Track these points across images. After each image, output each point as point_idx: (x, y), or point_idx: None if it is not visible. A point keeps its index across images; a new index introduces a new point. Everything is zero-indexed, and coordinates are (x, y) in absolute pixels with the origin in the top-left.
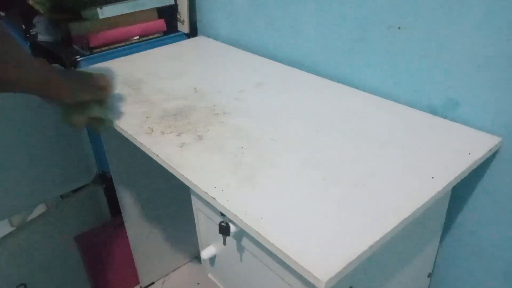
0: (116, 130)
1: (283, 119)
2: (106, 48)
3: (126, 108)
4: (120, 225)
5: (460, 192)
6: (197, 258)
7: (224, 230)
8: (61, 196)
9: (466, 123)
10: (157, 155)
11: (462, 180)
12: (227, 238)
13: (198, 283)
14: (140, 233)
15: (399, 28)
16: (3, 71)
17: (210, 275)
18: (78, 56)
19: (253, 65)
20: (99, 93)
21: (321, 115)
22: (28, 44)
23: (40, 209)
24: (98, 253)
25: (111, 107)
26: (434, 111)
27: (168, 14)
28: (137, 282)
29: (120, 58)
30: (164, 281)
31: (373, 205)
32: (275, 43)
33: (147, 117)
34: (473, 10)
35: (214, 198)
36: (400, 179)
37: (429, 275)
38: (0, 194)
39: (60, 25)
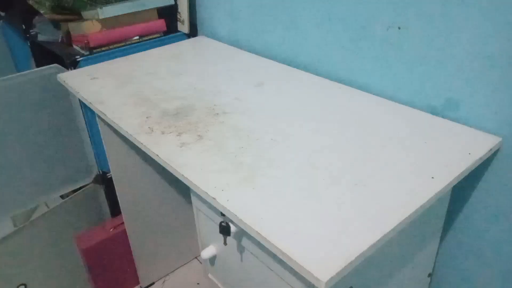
0: (116, 130)
1: (283, 119)
2: (106, 48)
3: (126, 108)
4: (120, 225)
5: (460, 192)
6: (197, 258)
7: (224, 230)
8: (61, 196)
9: (466, 123)
10: (157, 155)
11: (462, 180)
12: (227, 238)
13: (198, 283)
14: (140, 233)
15: (399, 28)
16: None
17: (210, 275)
18: (78, 56)
19: (253, 65)
20: None
21: (321, 115)
22: (28, 44)
23: (40, 209)
24: (98, 253)
25: None
26: (434, 111)
27: (168, 14)
28: (137, 282)
29: (120, 58)
30: (164, 281)
31: (373, 205)
32: (275, 43)
33: (147, 117)
34: (473, 10)
35: (214, 198)
36: (400, 179)
37: (429, 275)
38: (0, 194)
39: (60, 25)
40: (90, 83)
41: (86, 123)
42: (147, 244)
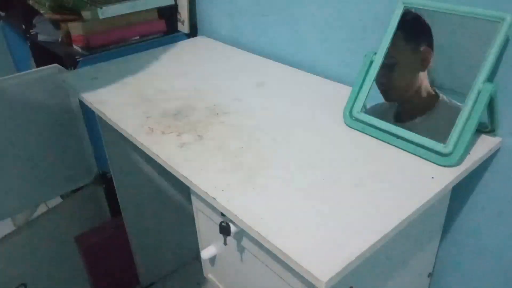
0: (116, 130)
1: (283, 120)
2: (106, 48)
3: (126, 108)
4: (120, 225)
5: (460, 192)
6: (197, 258)
7: (224, 230)
8: (61, 196)
9: None
10: (157, 155)
11: (462, 180)
12: (227, 238)
13: (198, 283)
14: (140, 234)
15: None
16: None
17: (210, 275)
18: (78, 56)
19: (253, 65)
20: None
21: (321, 115)
22: (28, 44)
23: (40, 209)
24: (98, 253)
25: None
26: None
27: (168, 14)
28: (137, 282)
29: (120, 58)
30: (164, 281)
31: (373, 205)
32: (275, 43)
33: (147, 117)
34: None
35: (214, 198)
36: (400, 179)
37: (429, 275)
38: (0, 194)
39: (60, 25)
40: (90, 83)
41: (86, 123)
42: (147, 245)
